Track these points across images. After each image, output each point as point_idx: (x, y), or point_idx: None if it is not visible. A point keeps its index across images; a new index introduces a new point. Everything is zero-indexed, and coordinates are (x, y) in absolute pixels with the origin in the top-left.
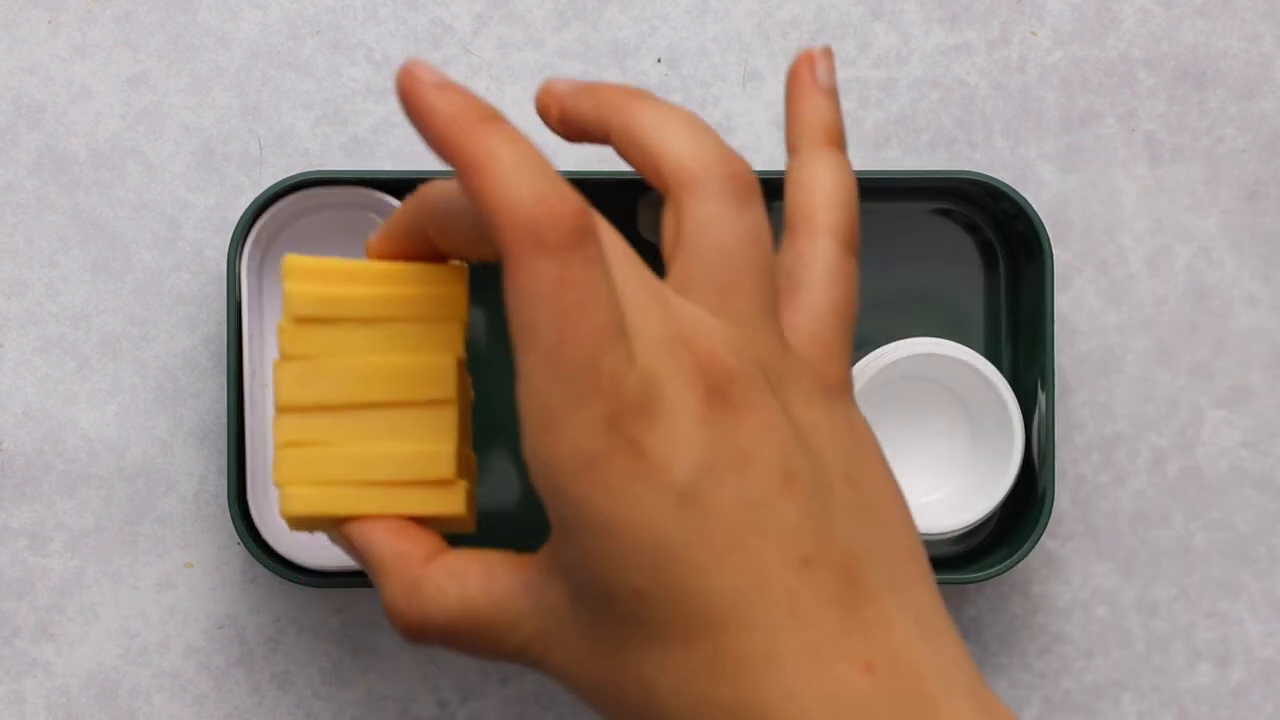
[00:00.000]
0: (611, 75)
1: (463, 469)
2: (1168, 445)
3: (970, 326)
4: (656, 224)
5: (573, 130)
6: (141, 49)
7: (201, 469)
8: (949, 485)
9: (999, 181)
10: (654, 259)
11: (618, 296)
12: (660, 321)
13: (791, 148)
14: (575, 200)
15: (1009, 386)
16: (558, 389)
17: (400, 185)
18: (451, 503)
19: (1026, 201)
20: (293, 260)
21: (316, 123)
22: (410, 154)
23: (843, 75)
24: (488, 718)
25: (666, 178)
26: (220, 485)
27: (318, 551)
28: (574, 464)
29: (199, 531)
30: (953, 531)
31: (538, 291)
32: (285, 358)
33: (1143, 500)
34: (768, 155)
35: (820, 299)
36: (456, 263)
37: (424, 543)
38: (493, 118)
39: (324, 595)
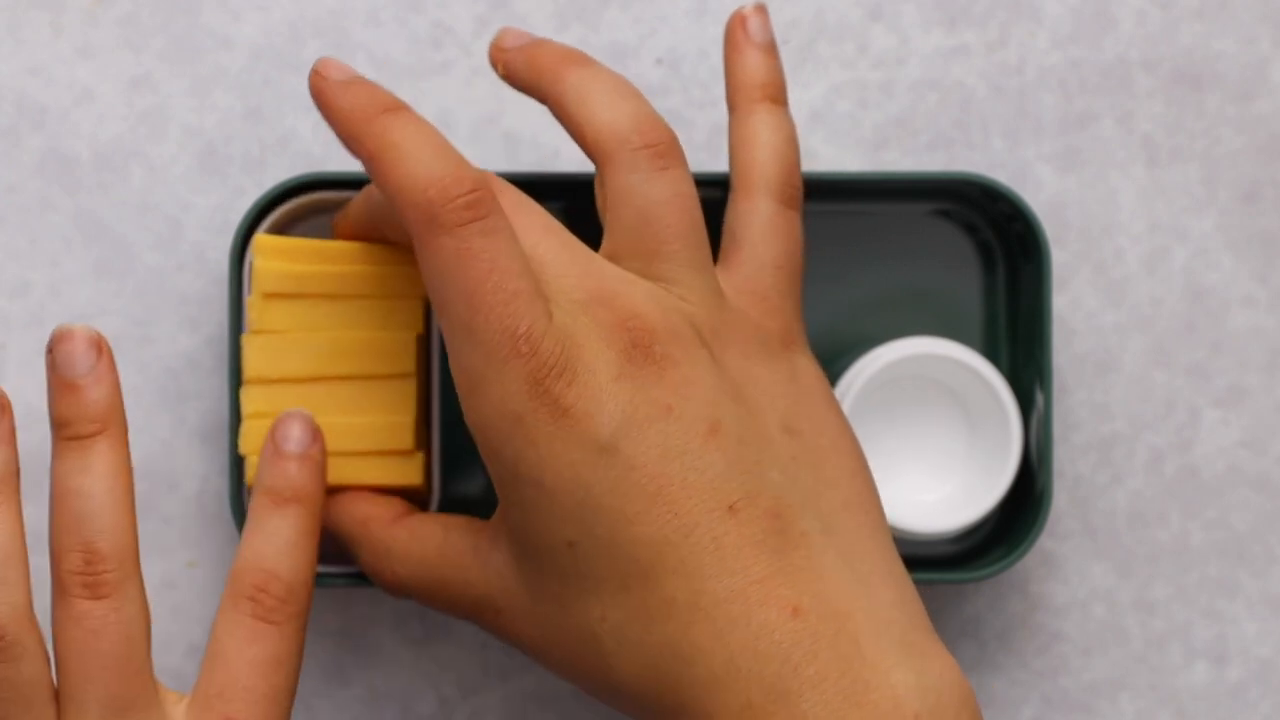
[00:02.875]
0: None
1: (420, 441)
2: (1165, 445)
3: (969, 327)
4: None
5: (516, 88)
6: (144, 51)
7: (204, 469)
8: (947, 485)
9: (997, 182)
10: None
11: (525, 261)
12: (580, 283)
13: (730, 106)
14: (470, 176)
15: (1007, 386)
16: (477, 356)
17: None
18: (410, 473)
19: (1025, 202)
20: (263, 239)
21: (318, 124)
22: None
23: (842, 77)
24: (489, 715)
25: (589, 150)
26: (222, 485)
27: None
28: (502, 425)
29: (201, 531)
30: (951, 531)
31: (442, 267)
32: (253, 332)
33: (1140, 500)
34: None
35: (758, 254)
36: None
37: (387, 506)
38: (393, 107)
39: (324, 594)
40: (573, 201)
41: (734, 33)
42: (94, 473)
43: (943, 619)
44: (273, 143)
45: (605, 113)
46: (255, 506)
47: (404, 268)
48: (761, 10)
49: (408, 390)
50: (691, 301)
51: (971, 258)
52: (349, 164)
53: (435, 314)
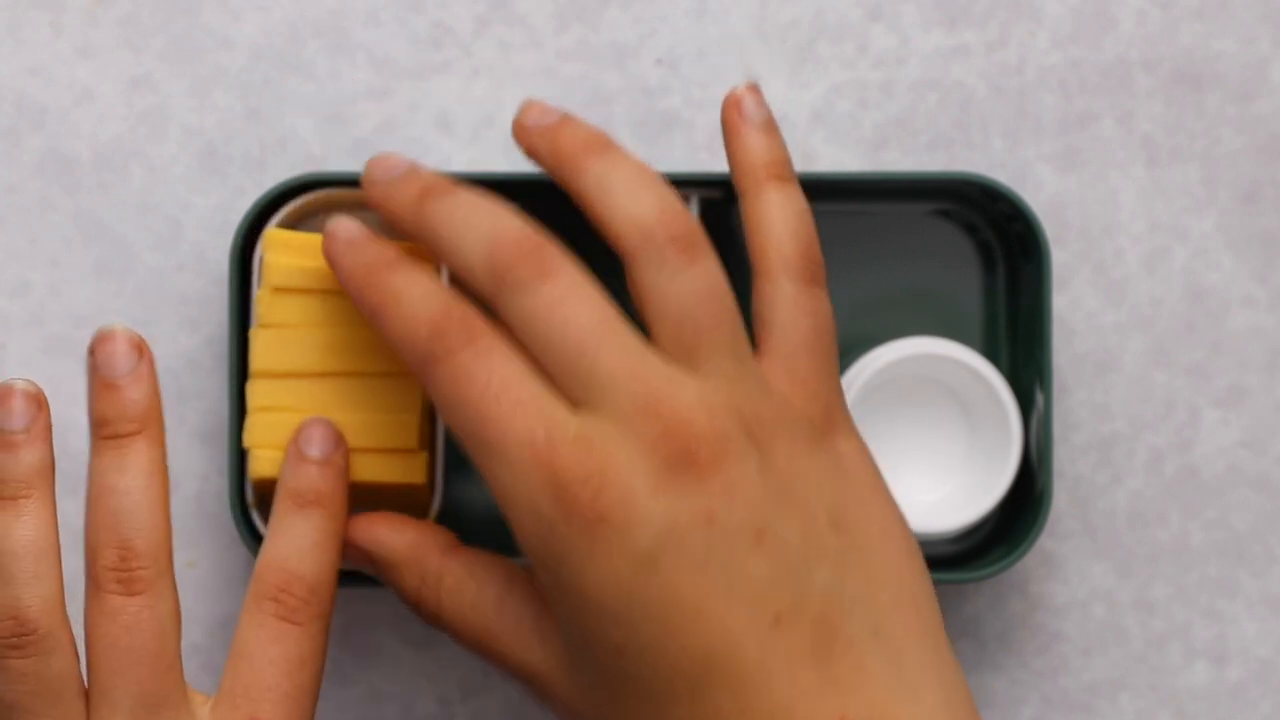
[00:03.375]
0: (611, 76)
1: (424, 440)
2: (1165, 445)
3: (969, 327)
4: None
5: (539, 167)
6: (144, 51)
7: (204, 469)
8: (947, 485)
9: (997, 182)
10: None
11: (528, 371)
12: (627, 387)
13: (738, 190)
14: (460, 311)
15: (1007, 386)
16: (500, 469)
17: None
18: (413, 471)
19: (1025, 202)
20: (273, 234)
21: (318, 124)
22: (411, 155)
23: (841, 77)
24: (488, 716)
25: (615, 245)
26: (222, 485)
27: None
28: (537, 533)
29: (201, 531)
30: (951, 531)
31: (447, 394)
32: (261, 325)
33: (1140, 500)
34: None
35: (789, 338)
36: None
37: (437, 533)
38: (391, 263)
39: None
40: (572, 201)
41: (730, 117)
42: (131, 471)
43: (943, 619)
44: (273, 143)
45: (628, 207)
46: (278, 509)
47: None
48: (754, 90)
49: (414, 388)
50: (739, 395)
51: (971, 258)
52: (349, 164)
53: (459, 445)
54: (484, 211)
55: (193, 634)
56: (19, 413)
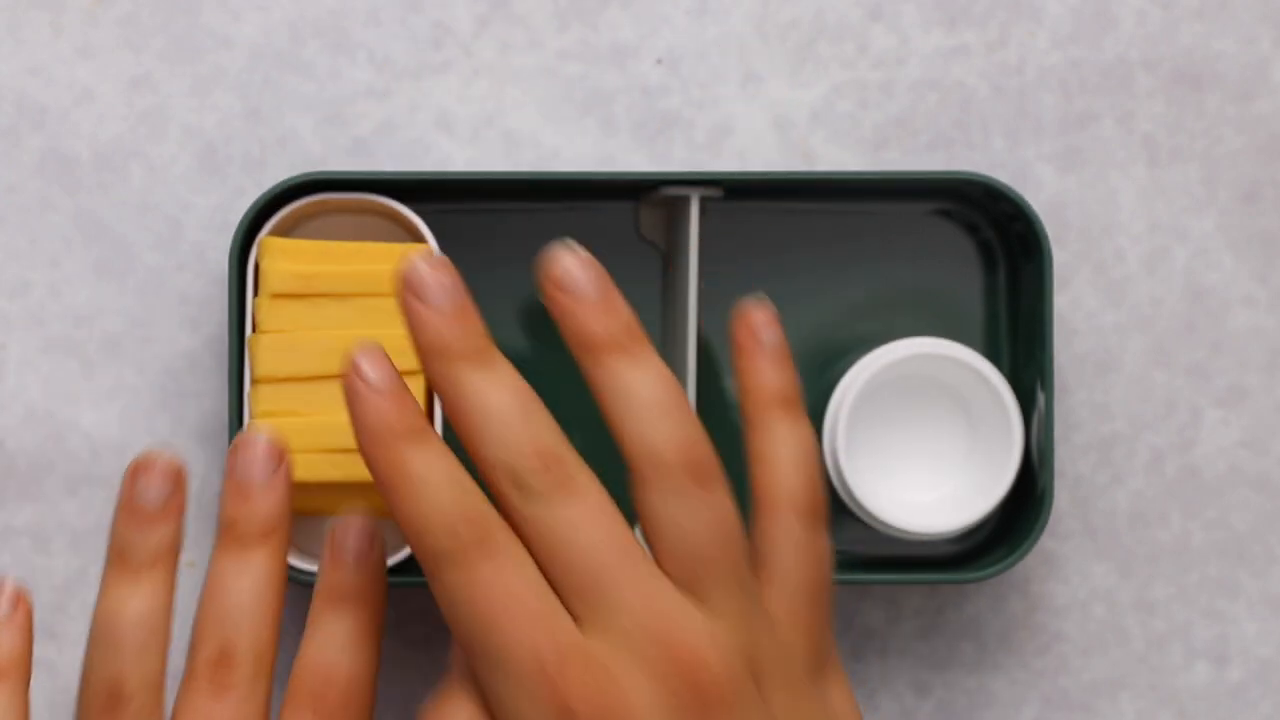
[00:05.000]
0: (611, 76)
1: None
2: (1166, 445)
3: (969, 326)
4: (656, 224)
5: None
6: (144, 51)
7: (203, 469)
8: (948, 485)
9: (998, 182)
10: (654, 259)
11: (542, 583)
12: (636, 616)
13: (744, 417)
14: (477, 511)
15: (1008, 386)
16: (503, 682)
17: (402, 187)
18: None
19: (1025, 202)
20: (269, 241)
21: (318, 124)
22: (412, 155)
23: (842, 77)
24: None
25: (625, 455)
26: (221, 485)
27: (317, 552)
28: None
29: (200, 531)
30: (951, 531)
31: (454, 600)
32: (261, 332)
33: (1141, 500)
34: (767, 157)
35: (790, 580)
36: (422, 243)
37: None
38: (415, 433)
39: None
40: (572, 201)
41: (743, 339)
42: (249, 576)
43: (943, 619)
44: (272, 142)
45: (646, 430)
46: (314, 607)
47: None
48: (768, 315)
49: (414, 388)
50: (746, 636)
51: (972, 258)
52: (349, 164)
53: (460, 653)
54: (514, 406)
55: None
56: (156, 488)
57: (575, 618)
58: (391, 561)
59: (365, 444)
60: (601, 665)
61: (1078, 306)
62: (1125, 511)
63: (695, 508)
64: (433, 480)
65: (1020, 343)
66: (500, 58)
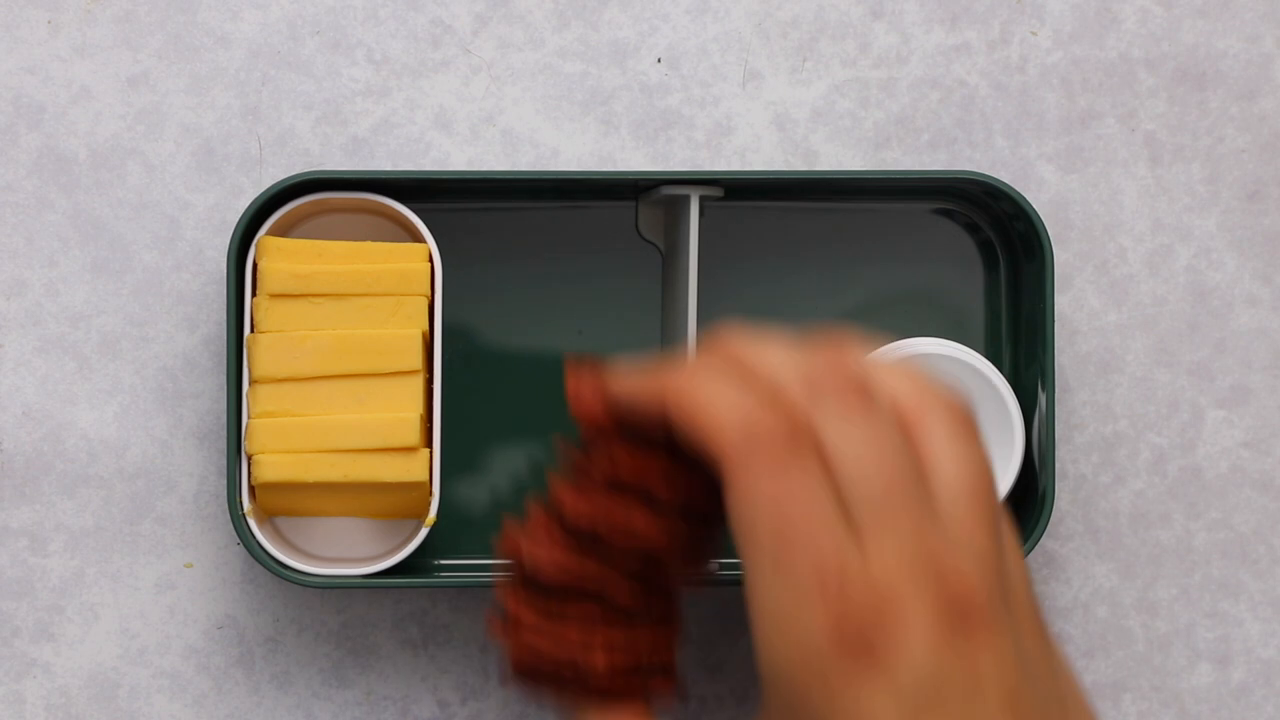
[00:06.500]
0: (611, 74)
1: (424, 438)
2: (1168, 445)
3: (971, 326)
4: (655, 223)
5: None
6: (141, 49)
7: (201, 469)
8: None
9: (999, 181)
10: (653, 259)
11: (838, 499)
12: (913, 532)
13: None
14: (784, 409)
15: (1009, 386)
16: (782, 592)
17: (401, 186)
18: (415, 469)
19: (1027, 201)
20: (266, 241)
21: (316, 123)
22: (411, 154)
23: (843, 75)
24: (488, 718)
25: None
26: (220, 485)
27: (317, 552)
28: (799, 656)
29: (199, 532)
30: None
31: (754, 503)
32: (259, 331)
33: (1143, 500)
34: (767, 156)
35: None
36: (420, 242)
37: None
38: (674, 367)
39: (324, 595)
40: (571, 200)
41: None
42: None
43: None
44: (271, 141)
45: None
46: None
47: (408, 265)
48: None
49: (413, 387)
50: (995, 559)
51: (973, 257)
52: (347, 162)
53: (737, 539)
54: (787, 342)
55: (190, 635)
56: None
57: (854, 527)
58: (392, 561)
59: (643, 393)
60: (883, 581)
61: (1080, 306)
62: (1127, 512)
63: (967, 454)
64: (722, 379)
65: (1022, 343)
66: (499, 56)
